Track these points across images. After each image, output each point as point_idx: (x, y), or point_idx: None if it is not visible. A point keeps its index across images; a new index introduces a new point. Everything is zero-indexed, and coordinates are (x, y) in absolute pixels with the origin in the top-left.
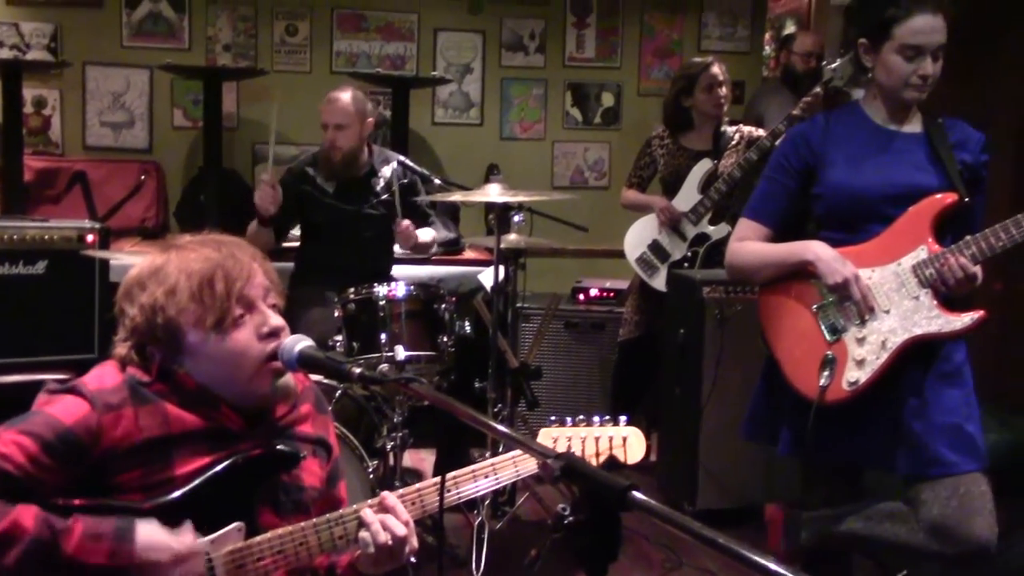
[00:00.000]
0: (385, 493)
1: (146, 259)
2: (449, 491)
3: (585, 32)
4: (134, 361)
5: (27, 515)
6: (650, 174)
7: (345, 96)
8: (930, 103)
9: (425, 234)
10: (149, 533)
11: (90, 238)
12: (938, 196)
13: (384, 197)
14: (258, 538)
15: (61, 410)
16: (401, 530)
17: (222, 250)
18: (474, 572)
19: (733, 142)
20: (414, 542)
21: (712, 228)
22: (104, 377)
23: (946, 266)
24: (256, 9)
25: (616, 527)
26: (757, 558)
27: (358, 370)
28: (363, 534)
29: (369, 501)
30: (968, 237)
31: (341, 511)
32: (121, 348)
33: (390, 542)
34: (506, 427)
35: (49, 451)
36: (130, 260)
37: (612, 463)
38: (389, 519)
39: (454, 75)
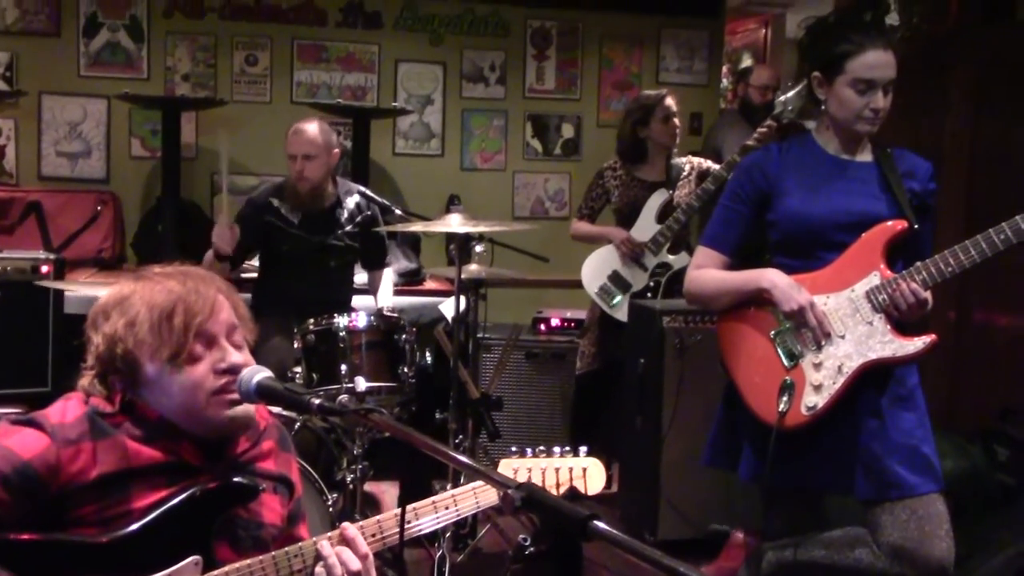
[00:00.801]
0: (345, 524)
1: (115, 288)
2: (409, 522)
3: (545, 64)
4: (98, 390)
5: None
6: (601, 205)
7: (312, 127)
8: (886, 135)
9: (387, 297)
10: None
11: (45, 269)
12: (889, 223)
13: (349, 228)
14: (215, 572)
15: (20, 443)
16: (356, 564)
17: (187, 284)
18: None
19: (684, 173)
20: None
21: (673, 257)
22: (66, 410)
23: (898, 291)
24: (216, 39)
25: (577, 557)
26: None
27: (317, 401)
28: (319, 568)
29: (329, 533)
30: (919, 263)
31: (301, 544)
32: (86, 376)
33: None
34: (464, 456)
35: (6, 486)
36: (86, 291)
37: (573, 494)
38: (345, 552)
39: (415, 106)
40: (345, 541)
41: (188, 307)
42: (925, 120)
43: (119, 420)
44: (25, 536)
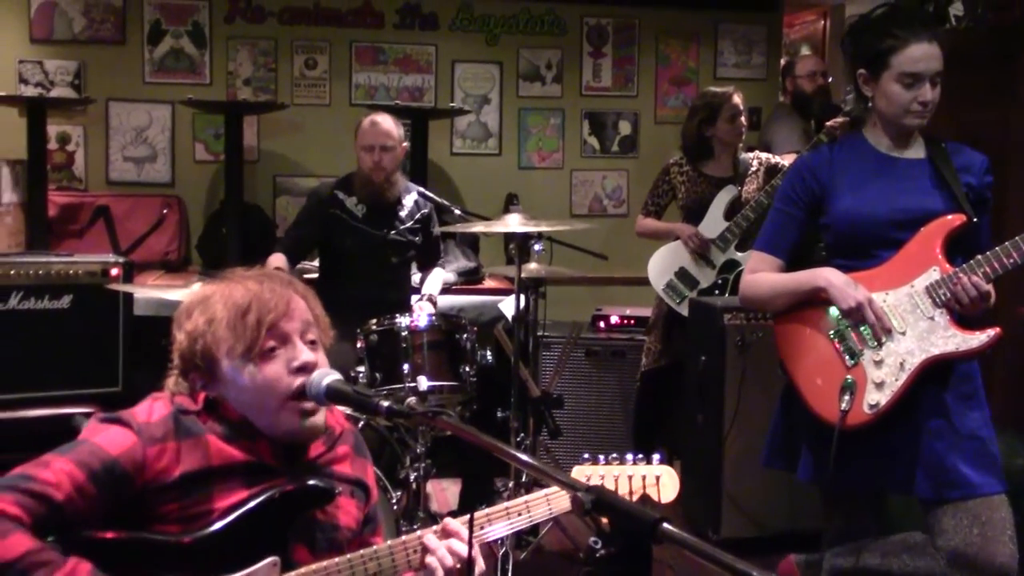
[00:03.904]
0: (447, 519)
1: (200, 288)
2: (482, 527)
3: (601, 61)
4: (182, 388)
5: (80, 574)
6: (667, 202)
7: (388, 120)
8: (950, 126)
9: (435, 286)
10: None
11: (114, 272)
12: (948, 217)
13: (409, 224)
14: (292, 573)
15: (108, 440)
16: (465, 551)
17: (263, 283)
18: None
19: (752, 169)
20: (481, 564)
21: (741, 255)
22: (153, 410)
23: (960, 285)
24: (276, 43)
25: (647, 559)
26: None
27: (386, 404)
28: (429, 559)
29: (433, 527)
30: (979, 256)
31: (375, 547)
32: (171, 375)
33: (458, 565)
34: (531, 457)
35: (95, 481)
36: (154, 294)
37: (645, 503)
38: (455, 543)
39: (472, 106)
40: (449, 534)
41: (262, 304)
42: (990, 111)
43: (203, 419)
44: (109, 534)
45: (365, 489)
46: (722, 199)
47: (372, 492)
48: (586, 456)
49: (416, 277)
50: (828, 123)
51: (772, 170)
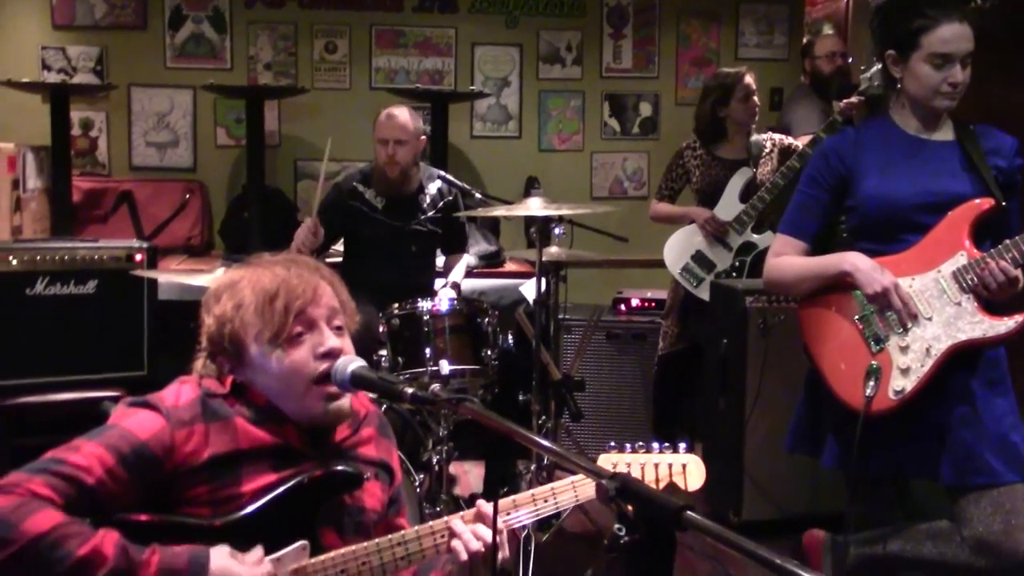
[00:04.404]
0: (481, 502)
1: (229, 273)
2: (508, 513)
3: (622, 43)
4: (209, 371)
5: (109, 542)
6: (681, 186)
7: (404, 113)
8: (975, 107)
9: (459, 274)
10: (222, 566)
11: (139, 257)
12: (976, 201)
13: (431, 214)
14: (321, 557)
15: (137, 424)
16: (490, 537)
17: (291, 269)
18: None
19: (766, 150)
20: (507, 550)
21: (757, 236)
22: (180, 393)
23: (987, 271)
24: (296, 28)
25: (672, 546)
26: None
27: (410, 390)
28: (455, 543)
29: (462, 512)
30: (1007, 241)
31: (403, 532)
32: (199, 358)
33: (482, 550)
34: (555, 444)
35: (125, 465)
36: (178, 279)
37: (672, 491)
38: (480, 528)
39: (492, 89)
40: (480, 517)
41: (290, 290)
42: (1016, 91)
43: (230, 402)
44: (142, 517)
45: (390, 471)
46: (737, 181)
47: (396, 474)
48: (612, 444)
49: (440, 259)
50: (842, 103)
51: (786, 151)
